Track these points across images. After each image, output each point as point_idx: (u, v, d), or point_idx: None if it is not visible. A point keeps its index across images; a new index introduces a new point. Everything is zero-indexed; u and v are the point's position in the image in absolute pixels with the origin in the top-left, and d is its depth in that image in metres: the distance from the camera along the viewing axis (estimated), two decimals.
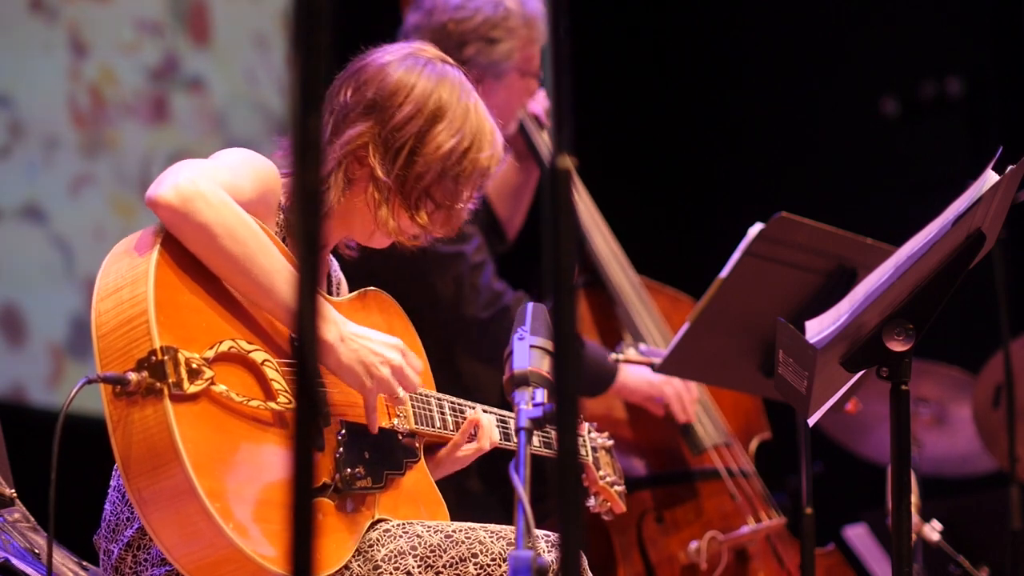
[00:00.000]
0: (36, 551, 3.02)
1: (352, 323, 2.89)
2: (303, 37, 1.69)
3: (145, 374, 2.65)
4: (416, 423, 3.04)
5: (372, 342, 2.89)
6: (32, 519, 3.09)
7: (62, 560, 3.08)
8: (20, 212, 5.81)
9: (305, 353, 1.68)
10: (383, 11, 4.51)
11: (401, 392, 2.93)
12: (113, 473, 2.91)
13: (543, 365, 2.64)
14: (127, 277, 2.74)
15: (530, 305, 2.74)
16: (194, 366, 2.69)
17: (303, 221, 1.70)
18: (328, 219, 3.00)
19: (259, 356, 2.80)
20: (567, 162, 1.99)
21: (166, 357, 2.66)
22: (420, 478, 3.07)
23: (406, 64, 3.03)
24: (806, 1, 7.19)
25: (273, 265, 2.77)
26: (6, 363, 5.76)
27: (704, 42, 7.50)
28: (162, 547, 2.69)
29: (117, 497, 2.88)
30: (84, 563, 3.13)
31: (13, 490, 3.01)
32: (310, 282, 1.69)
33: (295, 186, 1.71)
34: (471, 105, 3.04)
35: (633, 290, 4.63)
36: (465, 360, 4.25)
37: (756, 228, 3.75)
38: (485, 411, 3.16)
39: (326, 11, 1.68)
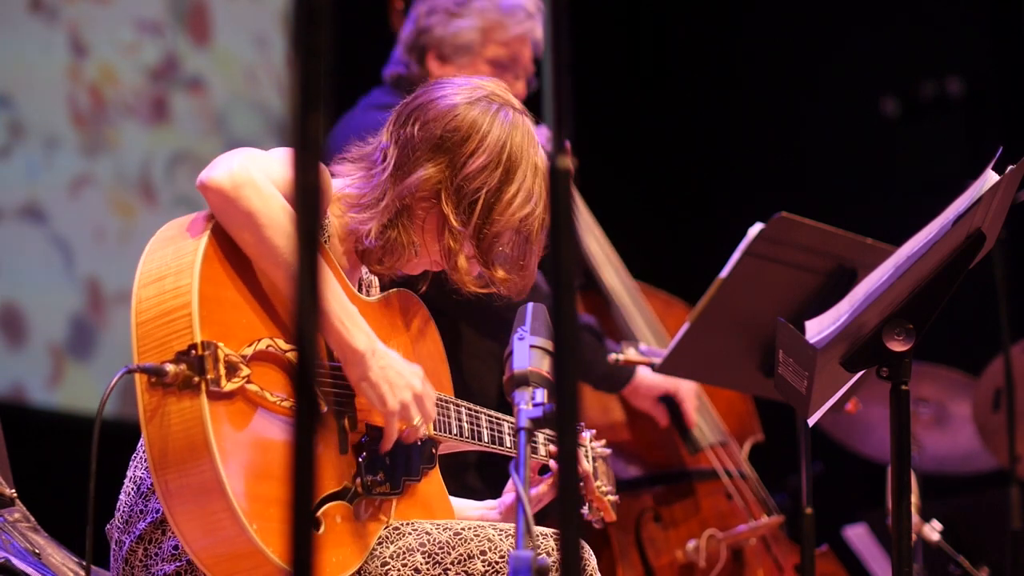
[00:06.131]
0: (36, 551, 3.02)
1: (381, 342, 2.87)
2: (303, 37, 1.69)
3: (183, 367, 2.65)
4: (434, 429, 3.03)
5: (398, 364, 2.88)
6: (32, 519, 3.09)
7: (62, 560, 3.07)
8: (20, 212, 5.81)
9: (305, 353, 1.68)
10: (383, 11, 4.51)
11: (417, 420, 2.92)
12: (130, 464, 2.91)
13: (543, 365, 2.64)
14: (172, 266, 2.73)
15: (530, 305, 2.74)
16: (233, 361, 2.69)
17: (303, 221, 1.70)
18: (403, 260, 2.97)
19: (295, 356, 2.78)
20: (567, 162, 1.99)
21: (206, 352, 2.66)
22: (434, 484, 3.06)
23: (479, 108, 2.98)
24: (806, 1, 7.19)
25: None
26: (6, 363, 5.76)
27: (704, 42, 7.50)
28: (182, 540, 2.69)
29: (132, 489, 2.88)
30: (85, 563, 3.13)
31: (13, 490, 3.01)
32: (310, 282, 1.70)
33: (295, 186, 1.71)
34: (538, 160, 2.99)
35: (627, 292, 4.63)
36: (467, 358, 4.25)
37: (756, 228, 3.75)
38: (492, 419, 3.15)
39: (326, 11, 1.69)
